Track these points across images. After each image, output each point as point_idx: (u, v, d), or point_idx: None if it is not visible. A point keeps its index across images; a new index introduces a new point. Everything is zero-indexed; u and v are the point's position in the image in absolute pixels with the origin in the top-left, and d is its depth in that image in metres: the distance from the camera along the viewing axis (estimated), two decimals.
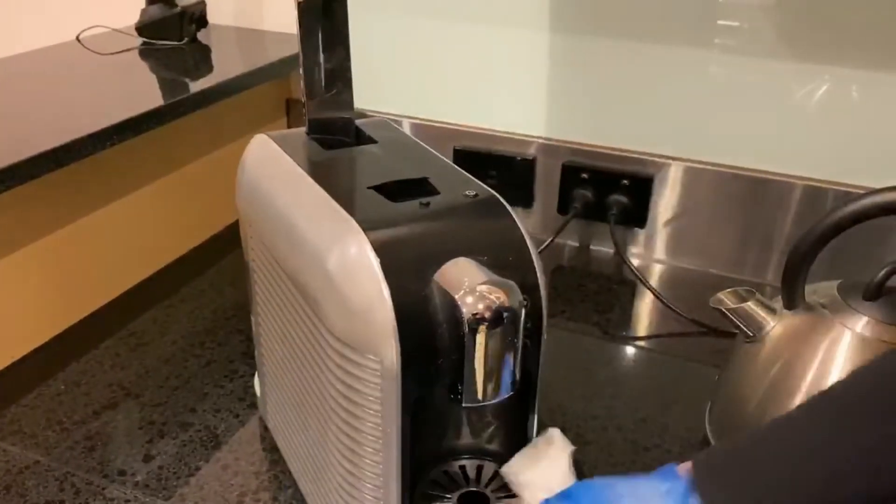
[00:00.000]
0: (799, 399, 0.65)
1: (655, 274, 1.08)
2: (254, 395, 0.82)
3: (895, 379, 0.46)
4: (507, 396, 0.53)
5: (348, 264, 0.52)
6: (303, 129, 0.68)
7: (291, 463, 0.71)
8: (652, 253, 1.11)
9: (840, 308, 0.66)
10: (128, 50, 1.18)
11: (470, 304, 0.49)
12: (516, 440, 0.61)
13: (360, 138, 0.68)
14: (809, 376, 0.64)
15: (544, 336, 0.56)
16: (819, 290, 0.69)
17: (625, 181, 1.07)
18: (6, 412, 0.80)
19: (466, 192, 0.57)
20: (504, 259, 0.54)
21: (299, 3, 0.62)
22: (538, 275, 0.55)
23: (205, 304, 0.99)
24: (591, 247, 1.14)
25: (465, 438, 0.65)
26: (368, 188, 0.58)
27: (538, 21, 1.07)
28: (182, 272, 1.07)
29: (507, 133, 1.13)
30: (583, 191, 1.10)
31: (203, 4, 1.24)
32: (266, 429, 0.78)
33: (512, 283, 0.50)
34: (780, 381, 0.66)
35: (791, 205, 1.01)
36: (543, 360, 0.57)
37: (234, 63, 1.17)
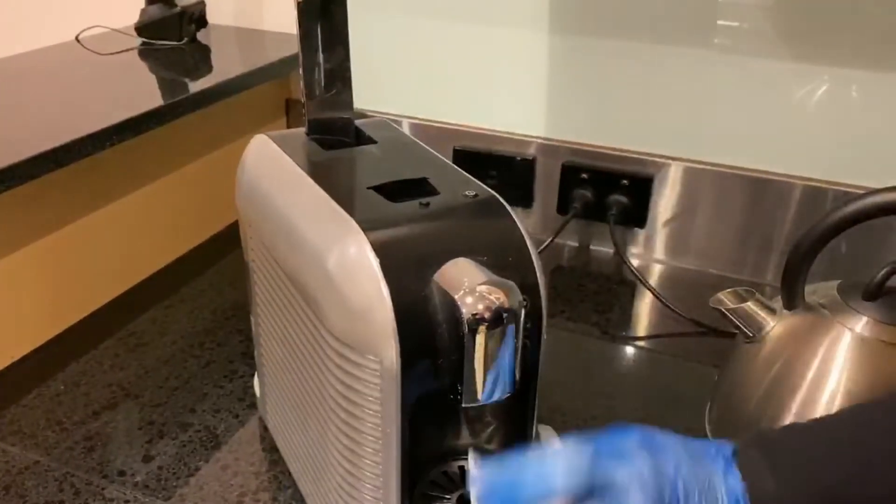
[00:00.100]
0: (799, 399, 0.65)
1: (655, 274, 1.08)
2: (253, 395, 0.82)
3: None
4: (506, 397, 0.53)
5: (348, 264, 0.52)
6: (302, 130, 0.68)
7: (291, 463, 0.71)
8: (652, 253, 1.11)
9: (840, 308, 0.66)
10: (127, 50, 1.18)
11: (470, 305, 0.49)
12: (516, 440, 0.61)
13: (360, 138, 0.68)
14: (809, 376, 0.64)
15: (544, 336, 0.56)
16: (819, 290, 0.69)
17: (624, 181, 1.07)
18: (6, 412, 0.80)
19: (466, 193, 0.57)
20: (504, 259, 0.54)
21: (299, 3, 0.62)
22: (538, 275, 0.55)
23: (204, 305, 0.99)
24: (591, 247, 1.14)
25: (465, 439, 0.65)
26: (368, 188, 0.58)
27: (538, 21, 1.07)
28: (181, 272, 1.07)
29: (507, 133, 1.13)
30: (582, 191, 1.10)
31: (202, 4, 1.24)
32: (266, 429, 0.78)
33: (512, 283, 0.50)
34: (779, 381, 0.66)
35: (791, 205, 1.01)
36: (543, 361, 0.57)
37: (233, 63, 1.17)
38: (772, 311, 0.69)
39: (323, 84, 0.66)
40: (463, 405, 0.52)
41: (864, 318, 0.64)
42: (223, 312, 0.97)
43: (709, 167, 1.04)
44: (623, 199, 1.08)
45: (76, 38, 1.21)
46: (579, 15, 1.05)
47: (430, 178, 0.59)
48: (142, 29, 1.21)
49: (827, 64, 0.95)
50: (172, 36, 1.20)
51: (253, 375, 0.84)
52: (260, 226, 0.65)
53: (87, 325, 0.95)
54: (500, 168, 1.13)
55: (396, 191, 0.57)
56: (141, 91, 1.04)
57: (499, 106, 1.14)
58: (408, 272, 0.51)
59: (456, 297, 0.49)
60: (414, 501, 0.58)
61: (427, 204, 0.55)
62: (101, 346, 0.91)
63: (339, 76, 0.66)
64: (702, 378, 0.85)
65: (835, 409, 0.63)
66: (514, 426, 0.62)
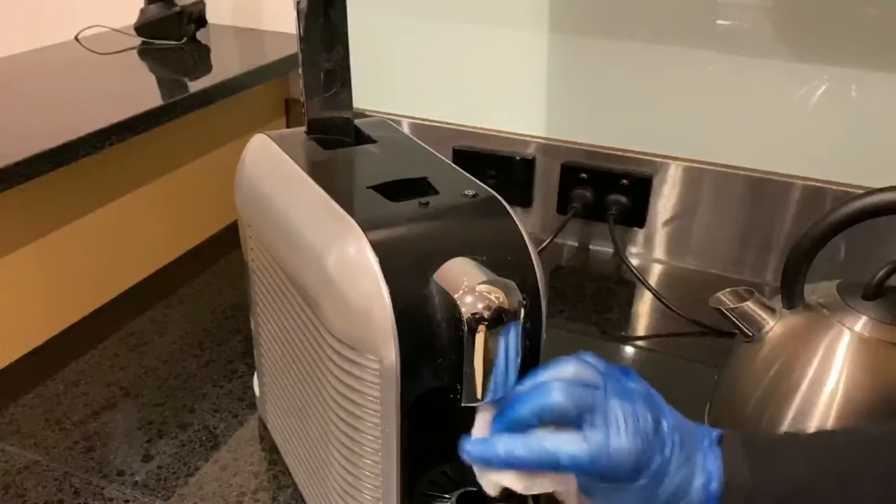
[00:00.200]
0: (798, 398, 0.64)
1: (655, 274, 1.08)
2: (253, 394, 0.82)
3: None
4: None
5: (347, 264, 0.52)
6: (302, 129, 0.68)
7: (290, 463, 0.71)
8: (651, 253, 1.11)
9: (839, 308, 0.66)
10: (127, 50, 1.18)
11: (469, 304, 0.48)
12: None
13: (360, 138, 0.68)
14: (809, 376, 0.64)
15: (544, 336, 0.56)
16: (818, 289, 0.69)
17: (624, 181, 1.07)
18: (5, 412, 0.80)
19: (466, 192, 0.57)
20: (503, 259, 0.54)
21: (298, 3, 0.62)
22: (537, 275, 0.55)
23: (203, 305, 0.99)
24: (591, 247, 1.14)
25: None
26: (367, 188, 0.58)
27: (538, 21, 1.07)
28: (181, 272, 1.07)
29: (507, 133, 1.13)
30: (582, 190, 1.10)
31: (202, 4, 1.24)
32: (265, 428, 0.78)
33: (511, 282, 0.50)
34: (779, 381, 0.66)
35: (790, 204, 1.01)
36: (543, 360, 0.57)
37: (233, 63, 1.17)
38: (771, 310, 0.69)
39: (322, 84, 0.66)
40: (462, 405, 0.52)
41: (864, 318, 0.64)
42: (222, 312, 0.97)
43: (708, 167, 1.04)
44: (622, 198, 1.08)
45: (76, 38, 1.21)
46: (579, 15, 1.05)
47: (429, 178, 0.59)
48: (141, 28, 1.21)
49: (827, 64, 0.96)
50: (172, 35, 1.20)
51: (252, 375, 0.84)
52: (259, 225, 0.65)
53: (87, 324, 0.95)
54: (500, 168, 1.13)
55: (396, 190, 0.57)
56: (140, 91, 1.04)
57: (498, 106, 1.14)
58: (407, 272, 0.51)
59: (455, 296, 0.49)
60: (413, 501, 0.58)
61: (427, 203, 0.55)
62: (100, 346, 0.91)
63: (339, 76, 0.66)
64: (701, 378, 0.85)
65: (834, 408, 0.63)
66: None
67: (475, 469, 0.51)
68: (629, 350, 0.94)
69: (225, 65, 1.15)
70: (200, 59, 1.20)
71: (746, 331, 0.69)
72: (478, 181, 0.60)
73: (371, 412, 0.53)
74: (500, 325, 0.49)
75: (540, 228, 1.14)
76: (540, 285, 0.55)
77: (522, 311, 0.50)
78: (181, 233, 1.11)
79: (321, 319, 0.54)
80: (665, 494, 0.47)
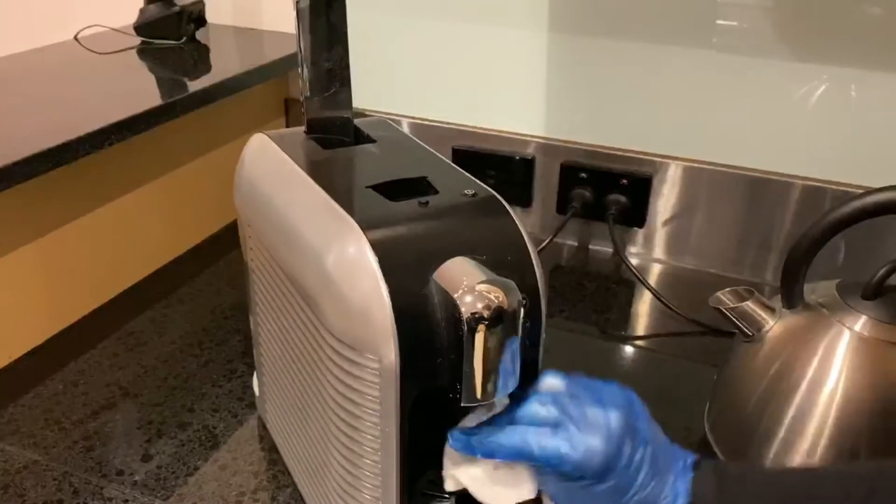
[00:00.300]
0: (798, 397, 0.64)
1: (654, 273, 1.08)
2: (252, 394, 0.82)
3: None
4: (505, 396, 0.53)
5: (347, 264, 0.52)
6: (301, 129, 0.68)
7: (290, 462, 0.71)
8: (651, 252, 1.11)
9: (839, 307, 0.66)
10: (126, 49, 1.18)
11: (469, 304, 0.48)
12: None
13: (359, 138, 0.68)
14: (808, 375, 0.64)
15: (543, 335, 0.56)
16: (818, 289, 0.69)
17: (623, 181, 1.07)
18: (4, 412, 0.80)
19: (465, 192, 0.57)
20: (503, 258, 0.54)
21: (298, 2, 0.62)
22: (537, 274, 0.55)
23: (203, 304, 0.99)
24: (590, 246, 1.14)
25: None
26: (367, 187, 0.58)
27: (537, 21, 1.07)
28: (180, 272, 1.07)
29: (506, 133, 1.13)
30: (582, 190, 1.09)
31: (201, 4, 1.24)
32: (264, 428, 0.78)
33: (511, 282, 0.50)
34: (778, 381, 0.66)
35: (790, 204, 1.01)
36: (542, 360, 0.57)
37: (232, 62, 1.17)
38: (771, 310, 0.69)
39: (322, 83, 0.66)
40: (462, 404, 0.52)
41: (863, 317, 0.64)
42: (222, 312, 0.97)
43: (708, 166, 1.04)
44: (622, 198, 1.08)
45: (75, 38, 1.21)
46: (579, 15, 1.05)
47: (429, 178, 0.59)
48: (141, 28, 1.21)
49: (827, 64, 0.96)
50: (171, 35, 1.20)
51: (252, 375, 0.83)
52: (259, 225, 0.65)
53: (86, 324, 0.95)
54: (500, 167, 1.13)
55: (395, 190, 0.57)
56: (140, 90, 1.04)
57: (498, 105, 1.14)
58: (407, 271, 0.51)
59: (455, 296, 0.49)
60: (413, 500, 0.58)
61: (426, 203, 0.55)
62: (99, 346, 0.91)
63: (338, 75, 0.66)
64: (701, 377, 0.85)
65: (834, 407, 0.63)
66: None
67: (444, 462, 0.54)
68: (629, 350, 0.94)
69: (224, 64, 1.15)
70: (200, 58, 1.20)
71: (746, 330, 0.69)
72: (477, 181, 0.60)
73: (370, 412, 0.53)
74: (499, 324, 0.49)
75: (539, 228, 1.14)
76: (539, 285, 0.55)
77: (522, 310, 0.50)
78: (181, 232, 1.11)
79: (320, 319, 0.54)
80: None
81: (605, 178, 1.08)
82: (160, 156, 1.04)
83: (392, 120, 0.81)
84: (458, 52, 1.13)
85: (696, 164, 1.04)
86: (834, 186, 0.98)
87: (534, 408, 0.52)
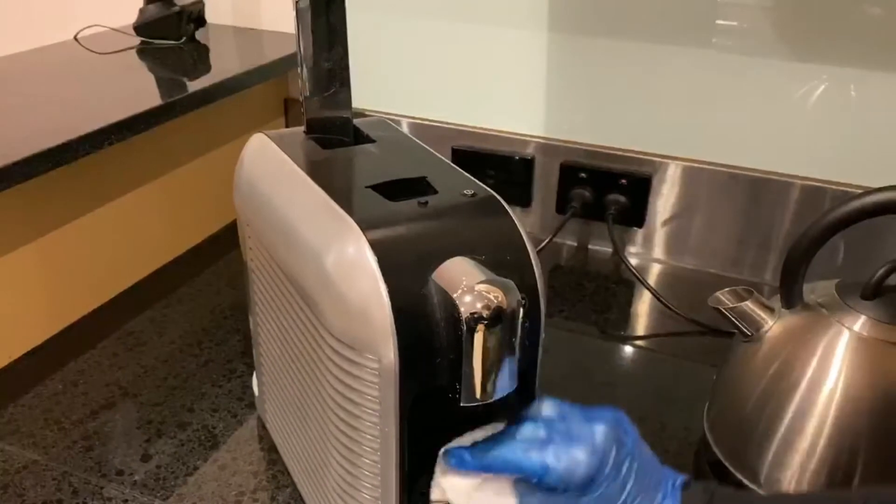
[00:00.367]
0: (797, 398, 0.64)
1: (654, 273, 1.08)
2: (252, 394, 0.82)
3: None
4: (505, 396, 0.53)
5: (346, 263, 0.52)
6: (301, 129, 0.68)
7: (289, 462, 0.71)
8: (650, 252, 1.11)
9: (838, 307, 0.66)
10: (126, 49, 1.18)
11: (468, 304, 0.49)
12: None
13: (359, 138, 0.68)
14: (808, 375, 0.64)
15: (542, 335, 0.56)
16: (817, 289, 0.69)
17: (623, 181, 1.07)
18: (4, 412, 0.80)
19: (465, 192, 0.57)
20: (502, 258, 0.54)
21: (297, 2, 0.62)
22: (536, 274, 0.55)
23: (202, 304, 0.99)
24: (590, 246, 1.14)
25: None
26: (366, 187, 0.58)
27: (537, 21, 1.07)
28: (180, 272, 1.07)
29: (506, 133, 1.13)
30: (581, 190, 1.10)
31: (201, 4, 1.24)
32: (264, 428, 0.78)
33: (510, 282, 0.50)
34: (778, 381, 0.66)
35: (789, 204, 1.01)
36: (541, 360, 0.57)
37: (232, 62, 1.17)
38: (770, 310, 0.69)
39: (321, 83, 0.66)
40: (461, 404, 0.52)
41: (863, 317, 0.64)
42: (221, 312, 0.97)
43: (707, 166, 1.04)
44: (622, 198, 1.08)
45: (75, 38, 1.21)
46: (579, 15, 1.05)
47: (428, 178, 0.59)
48: (140, 28, 1.21)
49: (826, 64, 0.96)
50: (171, 35, 1.20)
51: (251, 375, 0.84)
52: (258, 225, 0.65)
53: (86, 324, 0.95)
54: (499, 167, 1.13)
55: (395, 190, 0.57)
56: (139, 90, 1.04)
57: (498, 105, 1.14)
58: (406, 271, 0.51)
59: (454, 295, 0.49)
60: (412, 500, 0.58)
61: (426, 203, 0.55)
62: (99, 346, 0.91)
63: (338, 75, 0.66)
64: (700, 377, 0.85)
65: (833, 407, 0.63)
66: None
67: (435, 472, 0.56)
68: (628, 349, 0.94)
69: (224, 64, 1.15)
70: (199, 58, 1.20)
71: (745, 330, 0.69)
72: (477, 181, 0.60)
73: (370, 411, 0.53)
74: (498, 324, 0.49)
75: (539, 228, 1.14)
76: (539, 285, 0.55)
77: (521, 310, 0.50)
78: (180, 232, 1.11)
79: (320, 319, 0.54)
80: None
81: (604, 177, 1.08)
82: (160, 156, 1.04)
83: (392, 120, 0.81)
84: (458, 52, 1.13)
85: (695, 164, 1.04)
86: (833, 186, 0.98)
87: (526, 429, 0.54)
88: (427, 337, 0.51)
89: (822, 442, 0.63)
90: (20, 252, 0.87)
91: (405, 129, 1.17)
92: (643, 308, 1.01)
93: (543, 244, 1.09)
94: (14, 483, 0.72)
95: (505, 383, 0.52)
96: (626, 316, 1.00)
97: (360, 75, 0.76)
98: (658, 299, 0.99)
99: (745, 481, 0.67)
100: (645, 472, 0.52)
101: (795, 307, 0.68)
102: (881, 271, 0.64)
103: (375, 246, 0.51)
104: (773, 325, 0.68)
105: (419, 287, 0.51)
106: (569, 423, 0.53)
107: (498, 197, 0.58)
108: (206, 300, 1.00)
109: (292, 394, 0.65)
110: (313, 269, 0.54)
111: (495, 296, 0.49)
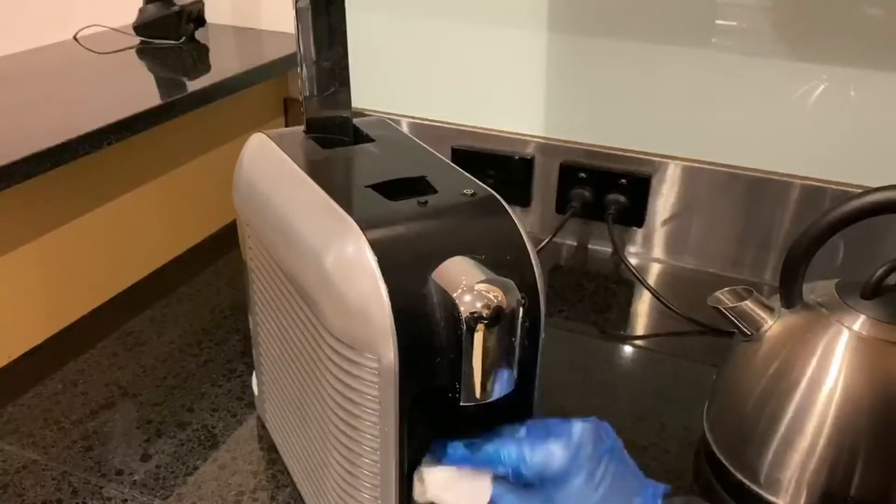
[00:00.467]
0: (797, 397, 0.64)
1: (653, 273, 1.08)
2: (251, 394, 0.82)
3: None
4: (504, 395, 0.53)
5: (346, 263, 0.52)
6: (300, 128, 0.68)
7: (289, 462, 0.71)
8: (650, 252, 1.11)
9: (838, 307, 0.66)
10: (125, 49, 1.18)
11: (468, 303, 0.48)
12: None
13: (358, 137, 0.68)
14: (807, 375, 0.64)
15: (542, 335, 0.56)
16: (817, 288, 0.69)
17: (623, 180, 1.07)
18: (3, 412, 0.80)
19: (465, 191, 0.57)
20: (502, 258, 0.54)
21: (297, 2, 0.62)
22: (536, 274, 0.55)
23: (202, 304, 0.99)
24: (590, 246, 1.14)
25: (463, 438, 0.65)
26: (366, 187, 0.58)
27: (537, 21, 1.07)
28: (179, 272, 1.07)
29: (506, 132, 1.13)
30: (581, 190, 1.10)
31: (201, 3, 1.24)
32: (264, 428, 0.78)
33: (510, 281, 0.50)
34: (778, 380, 0.66)
35: (789, 204, 1.01)
36: (541, 359, 0.57)
37: (231, 62, 1.17)
38: (770, 309, 0.69)
39: (321, 83, 0.66)
40: (461, 404, 0.52)
41: (862, 317, 0.64)
42: (221, 311, 0.97)
43: (707, 166, 1.04)
44: (621, 198, 1.08)
45: (74, 37, 1.21)
46: (579, 15, 1.05)
47: (428, 177, 0.59)
48: (140, 28, 1.21)
49: (826, 63, 0.96)
50: (170, 35, 1.20)
51: (251, 374, 0.83)
52: (258, 225, 0.65)
53: (85, 324, 0.95)
54: (499, 167, 1.13)
55: (395, 189, 0.57)
56: (139, 90, 1.04)
57: (497, 105, 1.14)
58: (406, 271, 0.51)
59: (454, 295, 0.49)
60: (411, 499, 0.58)
61: (425, 202, 0.55)
62: (98, 346, 0.91)
63: (338, 75, 0.66)
64: (700, 377, 0.85)
65: (832, 407, 0.63)
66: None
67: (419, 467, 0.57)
68: (628, 349, 0.94)
69: (224, 64, 1.15)
70: (199, 58, 1.20)
71: (745, 330, 0.69)
72: (477, 180, 0.60)
73: (370, 411, 0.53)
74: (498, 324, 0.49)
75: (539, 228, 1.14)
76: (539, 284, 0.55)
77: (521, 310, 0.50)
78: (180, 232, 1.11)
79: (320, 318, 0.54)
80: None
81: (604, 177, 1.08)
82: (159, 156, 1.04)
83: (391, 120, 0.81)
84: (458, 52, 1.13)
85: (695, 164, 1.04)
86: (833, 186, 0.98)
87: (504, 427, 0.55)
88: (427, 336, 0.51)
89: (821, 441, 0.63)
90: (20, 252, 0.87)
91: (405, 128, 1.17)
92: (643, 308, 1.01)
93: (543, 244, 1.09)
94: (14, 483, 0.72)
95: (504, 383, 0.52)
96: (625, 316, 1.00)
97: (360, 75, 0.76)
98: (658, 299, 0.99)
99: (746, 481, 0.67)
100: (623, 476, 0.52)
101: (795, 307, 0.68)
102: (881, 271, 0.64)
103: (375, 245, 0.51)
104: (773, 325, 0.68)
105: (419, 287, 0.51)
106: (548, 422, 0.54)
107: (498, 196, 0.58)
108: (205, 300, 1.00)
109: (292, 393, 0.65)
110: (313, 268, 0.54)
111: (495, 295, 0.49)
